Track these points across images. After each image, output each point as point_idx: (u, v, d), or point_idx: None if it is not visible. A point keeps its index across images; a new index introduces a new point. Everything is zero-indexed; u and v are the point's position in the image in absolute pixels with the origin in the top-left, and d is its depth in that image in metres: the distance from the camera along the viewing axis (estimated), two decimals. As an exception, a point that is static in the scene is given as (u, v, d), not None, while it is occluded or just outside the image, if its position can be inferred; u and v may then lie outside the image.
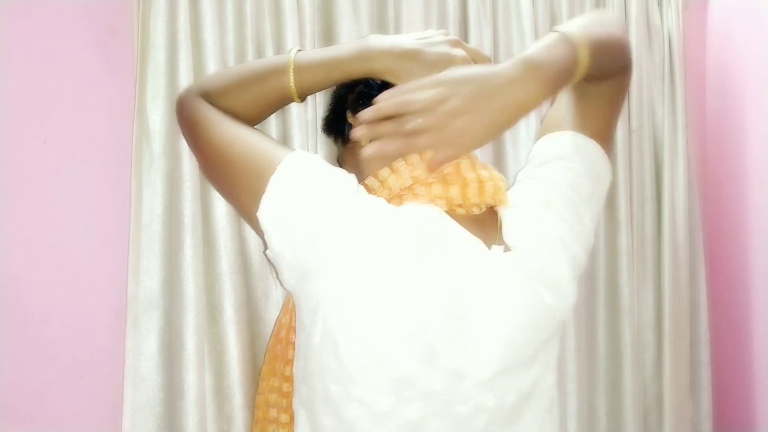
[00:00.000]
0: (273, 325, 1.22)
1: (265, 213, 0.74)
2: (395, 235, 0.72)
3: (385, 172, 0.79)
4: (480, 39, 1.36)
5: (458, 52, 0.79)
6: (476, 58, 0.83)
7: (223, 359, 1.16)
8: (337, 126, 0.89)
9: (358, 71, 0.80)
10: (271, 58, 0.95)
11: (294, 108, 1.20)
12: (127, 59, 1.18)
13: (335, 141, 0.93)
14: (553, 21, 1.46)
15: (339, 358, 0.71)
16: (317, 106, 1.26)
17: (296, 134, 1.20)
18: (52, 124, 1.14)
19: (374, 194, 0.79)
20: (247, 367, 1.18)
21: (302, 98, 0.85)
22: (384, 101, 0.75)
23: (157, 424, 1.14)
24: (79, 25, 1.16)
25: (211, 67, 1.15)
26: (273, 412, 0.86)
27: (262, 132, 0.86)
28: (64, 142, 1.15)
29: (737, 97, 1.58)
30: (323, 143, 1.27)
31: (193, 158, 1.13)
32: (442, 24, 1.36)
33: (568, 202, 0.83)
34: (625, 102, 1.52)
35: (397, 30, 1.32)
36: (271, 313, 1.22)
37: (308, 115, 1.23)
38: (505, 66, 0.73)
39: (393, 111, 0.74)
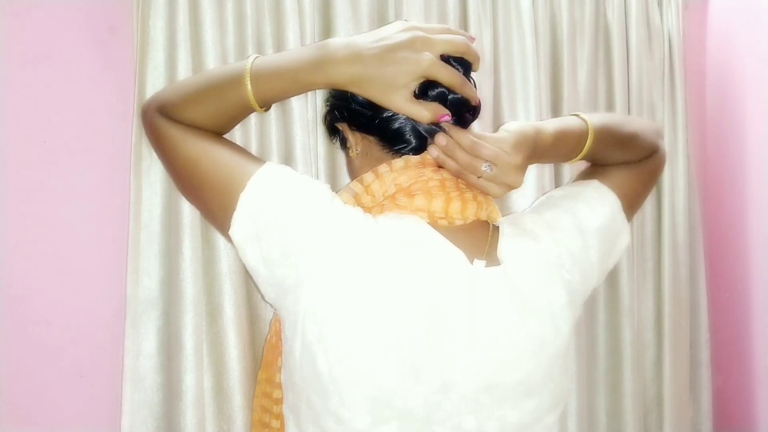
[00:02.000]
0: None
1: (236, 231, 0.73)
2: (372, 248, 0.72)
3: (369, 176, 0.78)
4: (480, 39, 1.36)
5: (423, 57, 0.72)
6: (451, 49, 0.76)
7: (223, 359, 1.16)
8: (331, 130, 0.89)
9: (318, 83, 0.76)
10: (227, 66, 0.89)
11: (295, 108, 1.20)
12: (126, 59, 1.18)
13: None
14: (553, 21, 1.46)
15: (317, 373, 0.71)
16: (318, 104, 1.26)
17: (298, 133, 1.20)
18: (51, 124, 1.14)
19: (358, 199, 0.77)
20: (247, 367, 1.18)
21: (266, 108, 0.80)
22: (459, 136, 0.77)
23: (156, 424, 1.14)
24: (79, 24, 1.16)
25: (211, 67, 1.15)
26: (266, 417, 0.85)
27: (230, 143, 0.81)
28: (63, 142, 1.15)
29: (737, 97, 1.58)
30: (324, 142, 1.27)
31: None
32: (442, 23, 1.35)
33: (576, 230, 0.83)
34: (626, 104, 1.53)
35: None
36: (271, 313, 1.22)
37: (309, 114, 1.23)
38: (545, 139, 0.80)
39: (466, 149, 0.77)
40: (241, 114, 0.81)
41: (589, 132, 0.85)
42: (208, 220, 0.94)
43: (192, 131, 0.78)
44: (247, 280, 1.21)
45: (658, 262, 1.57)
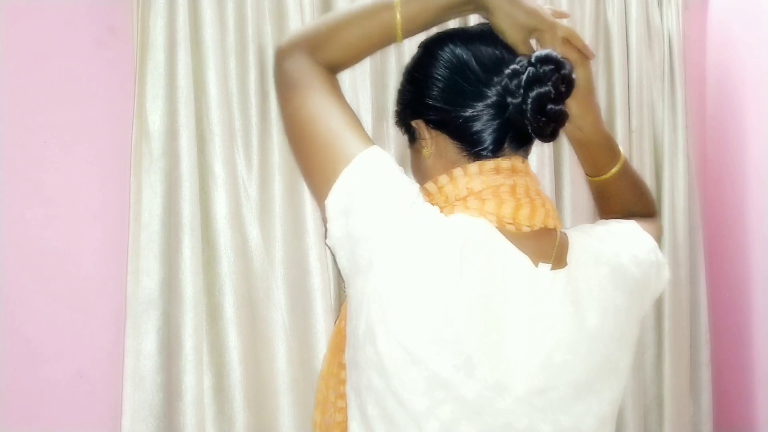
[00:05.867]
0: (273, 326, 1.22)
1: (332, 202, 0.76)
2: (441, 245, 0.74)
3: (443, 179, 0.80)
4: (480, 39, 1.36)
5: (557, 22, 0.80)
6: (571, 35, 0.82)
7: (224, 360, 1.16)
8: (403, 126, 0.89)
9: (461, 2, 0.81)
10: None
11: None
12: (126, 59, 1.18)
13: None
14: (553, 21, 1.46)
15: (378, 353, 0.74)
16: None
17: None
18: (52, 123, 1.14)
19: (431, 199, 0.80)
20: (249, 367, 1.18)
21: (405, 35, 0.82)
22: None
23: (157, 423, 1.14)
24: (79, 25, 1.16)
25: (211, 68, 1.15)
26: (332, 396, 0.88)
27: (349, 112, 0.82)
28: (64, 142, 1.15)
29: (737, 97, 1.58)
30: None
31: (192, 158, 1.13)
32: (442, 24, 1.35)
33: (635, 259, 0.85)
34: (626, 104, 1.53)
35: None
36: (272, 313, 1.22)
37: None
38: None
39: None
40: (380, 41, 0.83)
41: (622, 156, 0.92)
42: (304, 176, 0.97)
43: (326, 83, 0.81)
44: (249, 280, 1.20)
45: (658, 262, 1.57)
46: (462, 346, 0.72)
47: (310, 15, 1.23)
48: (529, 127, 0.77)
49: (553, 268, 0.77)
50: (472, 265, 0.73)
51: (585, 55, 0.83)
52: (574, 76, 0.77)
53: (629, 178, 0.95)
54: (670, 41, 1.57)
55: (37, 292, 1.14)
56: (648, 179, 1.57)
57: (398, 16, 0.79)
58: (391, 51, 1.32)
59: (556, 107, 0.76)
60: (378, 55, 1.30)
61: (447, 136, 0.81)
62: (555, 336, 0.75)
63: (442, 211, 0.78)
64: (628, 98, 1.53)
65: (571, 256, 0.79)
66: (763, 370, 1.52)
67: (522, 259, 0.76)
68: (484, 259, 0.74)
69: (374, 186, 0.76)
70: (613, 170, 0.91)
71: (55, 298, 1.15)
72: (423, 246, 0.74)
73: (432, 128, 0.82)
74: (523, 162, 0.81)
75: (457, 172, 0.79)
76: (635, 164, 1.55)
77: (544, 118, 0.75)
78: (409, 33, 0.82)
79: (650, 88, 1.57)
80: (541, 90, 0.75)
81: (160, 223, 1.15)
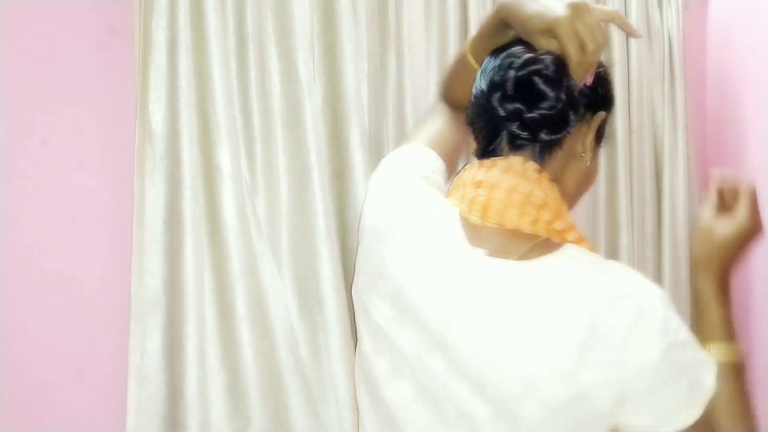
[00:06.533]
0: (281, 325, 1.23)
1: (369, 184, 0.95)
2: (409, 214, 0.84)
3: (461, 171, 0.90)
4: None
5: (558, 8, 0.75)
6: (606, 17, 0.80)
7: (236, 358, 1.17)
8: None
9: (494, 20, 0.86)
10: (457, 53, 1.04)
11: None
12: (128, 60, 1.18)
13: None
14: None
15: (352, 298, 0.90)
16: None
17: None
18: (52, 124, 1.14)
19: (458, 186, 0.85)
20: (263, 366, 1.18)
21: None
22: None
23: (161, 422, 1.14)
24: (80, 25, 1.16)
25: (213, 68, 1.15)
26: None
27: (436, 130, 0.99)
28: (64, 142, 1.15)
29: (737, 97, 1.58)
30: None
31: (195, 158, 1.14)
32: (443, 24, 1.36)
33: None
34: (626, 104, 1.53)
35: (398, 30, 1.32)
36: (280, 312, 1.22)
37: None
38: None
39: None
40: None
41: (732, 352, 0.83)
42: None
43: (435, 115, 1.02)
44: (257, 279, 1.20)
45: (658, 262, 1.58)
46: (393, 302, 0.80)
47: (310, 15, 1.23)
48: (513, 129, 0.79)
49: (492, 256, 0.76)
50: (419, 237, 0.82)
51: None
52: (536, 67, 0.76)
53: (732, 389, 0.82)
54: (670, 41, 1.57)
55: (41, 292, 1.14)
56: (648, 179, 1.57)
57: (471, 59, 0.90)
58: (391, 51, 1.32)
59: (510, 106, 0.78)
60: (378, 56, 1.31)
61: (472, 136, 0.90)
62: (498, 326, 0.73)
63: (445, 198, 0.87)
64: (628, 98, 1.53)
65: (546, 259, 0.75)
66: (763, 370, 1.53)
67: (461, 244, 0.79)
68: (431, 235, 0.81)
69: (384, 170, 0.92)
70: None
71: (58, 299, 1.15)
72: (395, 211, 0.85)
73: (469, 128, 0.90)
74: (525, 163, 0.79)
75: (467, 167, 0.87)
76: (635, 164, 1.55)
77: (506, 120, 0.79)
78: None
79: (650, 88, 1.57)
80: (496, 93, 0.79)
81: (163, 223, 1.15)
